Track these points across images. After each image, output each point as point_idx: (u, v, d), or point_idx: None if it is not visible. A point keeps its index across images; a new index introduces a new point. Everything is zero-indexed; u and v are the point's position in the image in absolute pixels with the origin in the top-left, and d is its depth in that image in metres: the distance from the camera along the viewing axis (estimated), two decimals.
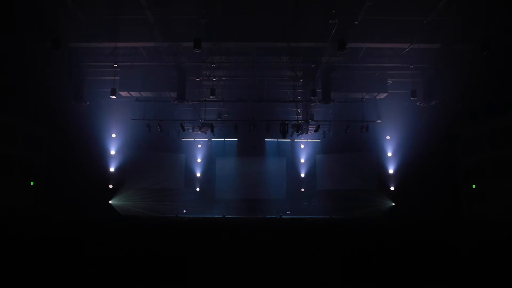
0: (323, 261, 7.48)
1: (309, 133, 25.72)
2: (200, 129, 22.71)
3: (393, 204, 25.57)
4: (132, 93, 21.49)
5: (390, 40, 16.94)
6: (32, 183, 23.30)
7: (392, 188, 25.89)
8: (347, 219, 22.19)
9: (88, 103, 19.91)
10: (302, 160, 29.53)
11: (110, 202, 25.05)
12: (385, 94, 21.87)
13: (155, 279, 6.03)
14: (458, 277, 6.33)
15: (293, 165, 29.56)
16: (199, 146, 29.42)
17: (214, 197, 28.66)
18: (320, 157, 29.43)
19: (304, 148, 29.74)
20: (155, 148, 26.55)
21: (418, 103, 19.81)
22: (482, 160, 23.31)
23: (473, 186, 23.96)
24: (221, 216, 23.82)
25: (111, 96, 19.16)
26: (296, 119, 22.77)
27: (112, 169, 25.60)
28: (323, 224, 18.09)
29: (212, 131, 22.71)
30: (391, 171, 26.05)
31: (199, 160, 29.22)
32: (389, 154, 26.22)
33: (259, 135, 24.95)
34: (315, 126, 23.46)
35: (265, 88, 21.92)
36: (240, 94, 22.36)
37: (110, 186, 25.34)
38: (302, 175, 29.28)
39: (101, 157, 25.02)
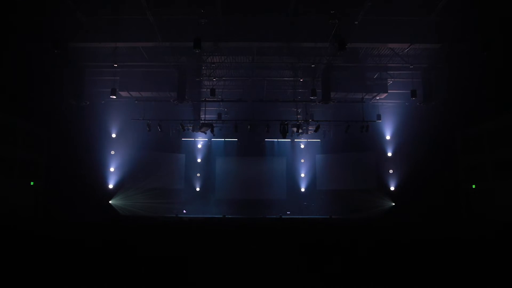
0: (323, 261, 7.48)
1: (309, 133, 25.74)
2: (200, 129, 22.71)
3: (393, 204, 25.58)
4: (132, 93, 21.53)
5: (390, 40, 16.97)
6: (32, 183, 23.29)
7: (392, 188, 25.91)
8: (347, 219, 22.17)
9: (88, 103, 19.92)
10: (302, 160, 29.53)
11: (110, 202, 25.06)
12: (385, 94, 21.91)
13: (155, 279, 6.03)
14: (458, 277, 6.33)
15: (293, 165, 29.55)
16: (199, 146, 29.42)
17: (214, 197, 28.66)
18: (320, 157, 29.43)
19: (304, 148, 29.75)
20: (155, 148, 26.53)
21: (418, 103, 19.82)
22: (482, 160, 23.29)
23: (473, 186, 23.95)
24: (221, 216, 23.81)
25: (111, 96, 19.19)
26: (296, 119, 22.78)
27: (112, 169, 25.61)
28: (322, 224, 18.08)
29: (212, 131, 22.71)
30: (391, 171, 26.06)
31: (199, 160, 29.21)
32: (389, 154, 26.24)
33: (259, 135, 24.94)
34: (315, 126, 23.47)
35: (265, 88, 21.95)
36: (240, 94, 22.39)
37: (110, 186, 25.37)
38: (302, 175, 29.28)
39: (101, 157, 25.02)
